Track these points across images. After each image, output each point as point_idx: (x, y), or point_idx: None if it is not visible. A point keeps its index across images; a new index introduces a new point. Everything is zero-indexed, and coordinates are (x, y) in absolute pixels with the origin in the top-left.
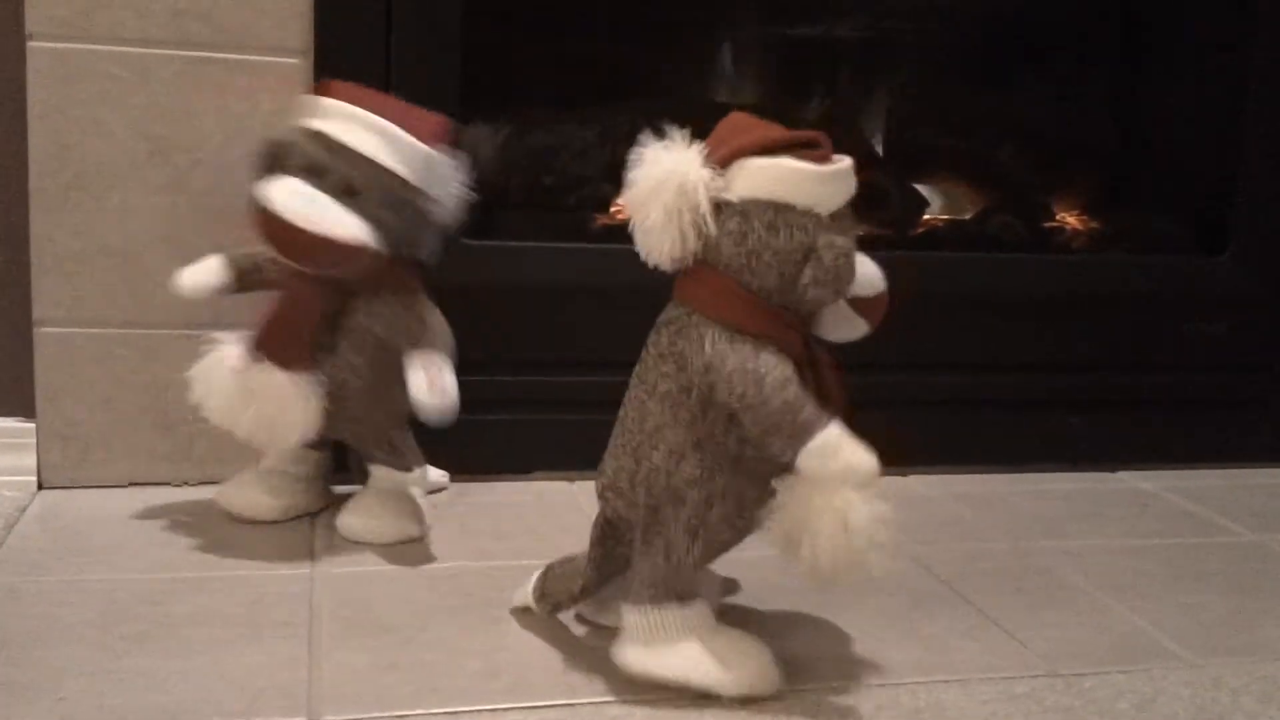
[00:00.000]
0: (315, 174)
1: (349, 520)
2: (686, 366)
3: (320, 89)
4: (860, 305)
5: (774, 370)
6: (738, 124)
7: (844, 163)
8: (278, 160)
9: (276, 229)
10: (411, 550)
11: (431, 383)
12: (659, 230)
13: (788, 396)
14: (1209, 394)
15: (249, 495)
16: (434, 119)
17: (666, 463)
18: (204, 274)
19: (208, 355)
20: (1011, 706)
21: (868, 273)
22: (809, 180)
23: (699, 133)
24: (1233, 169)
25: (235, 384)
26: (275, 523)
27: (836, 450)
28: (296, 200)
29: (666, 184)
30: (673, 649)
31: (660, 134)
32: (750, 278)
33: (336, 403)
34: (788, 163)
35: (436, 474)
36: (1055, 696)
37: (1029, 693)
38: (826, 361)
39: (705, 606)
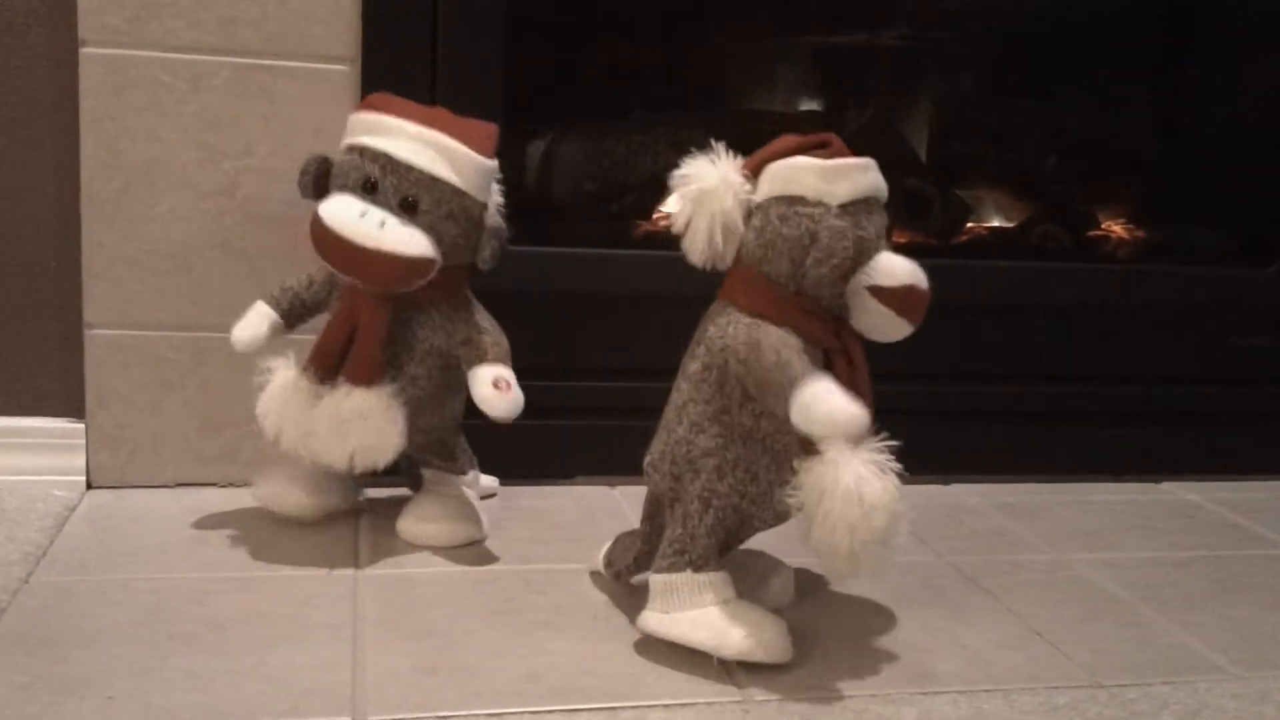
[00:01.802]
0: (370, 190)
1: (411, 524)
2: (711, 348)
3: (367, 104)
4: (884, 296)
5: (772, 336)
6: (777, 142)
7: (852, 159)
8: (329, 178)
9: (338, 248)
10: (454, 554)
11: (500, 394)
12: (694, 232)
13: (780, 357)
14: (1256, 406)
15: (286, 493)
16: (485, 128)
17: (689, 434)
18: (253, 327)
19: (270, 384)
20: (1053, 717)
21: (890, 262)
22: (813, 173)
23: (742, 139)
24: (1279, 179)
25: (318, 412)
26: (312, 523)
27: (821, 400)
28: (358, 219)
29: (701, 191)
30: (684, 612)
31: (706, 148)
32: (769, 267)
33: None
34: (797, 159)
35: (487, 479)
36: (1098, 708)
37: (1071, 704)
38: (860, 355)
39: (723, 578)
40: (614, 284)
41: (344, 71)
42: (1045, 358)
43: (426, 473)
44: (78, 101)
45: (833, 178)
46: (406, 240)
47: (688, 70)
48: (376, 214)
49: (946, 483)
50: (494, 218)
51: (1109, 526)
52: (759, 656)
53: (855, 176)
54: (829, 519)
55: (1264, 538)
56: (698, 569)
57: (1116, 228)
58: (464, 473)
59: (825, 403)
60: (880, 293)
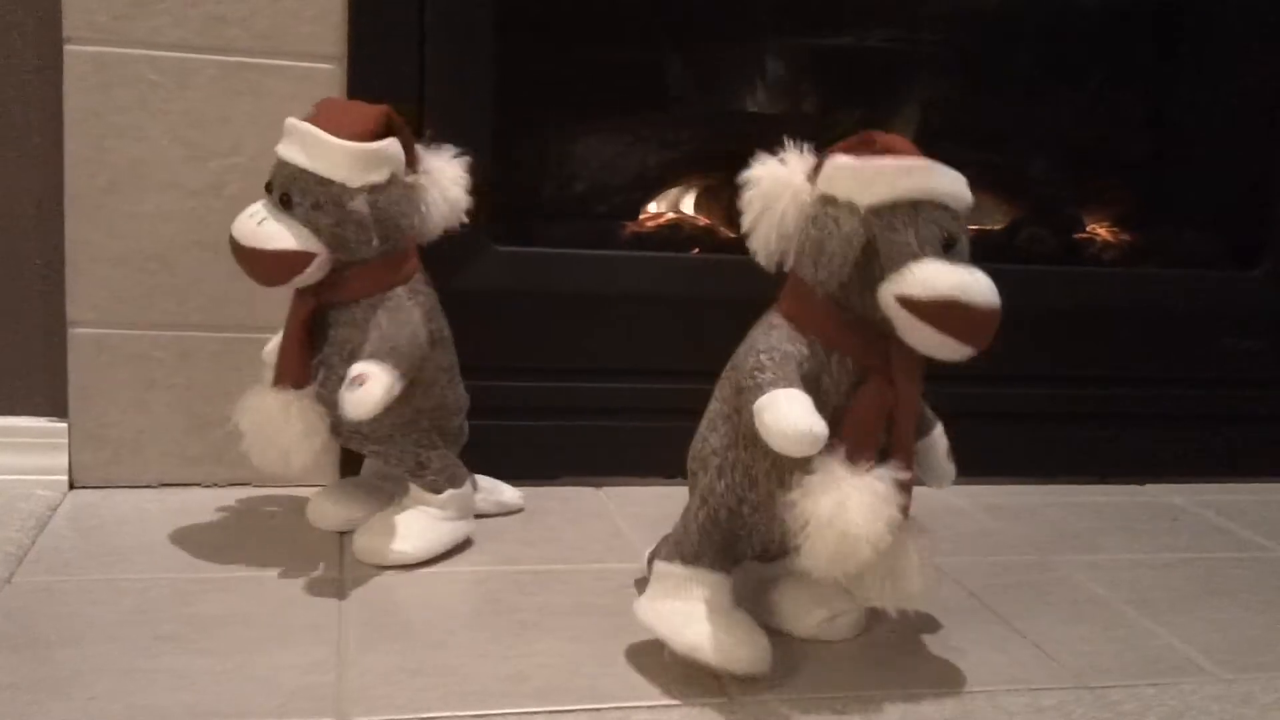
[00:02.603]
0: (269, 191)
1: (356, 537)
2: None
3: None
4: (915, 308)
5: (771, 338)
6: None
7: (891, 160)
8: None
9: (233, 249)
10: (440, 555)
11: (346, 392)
12: (756, 234)
13: (758, 360)
14: (1240, 408)
15: (317, 503)
16: (362, 110)
17: (706, 430)
18: (272, 343)
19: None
20: (1038, 719)
21: (929, 271)
22: (846, 172)
23: (729, 140)
24: (1266, 182)
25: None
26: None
27: (773, 410)
28: (245, 219)
29: (763, 189)
30: (665, 603)
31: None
32: (801, 269)
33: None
34: (837, 158)
35: (511, 494)
36: (1083, 710)
37: (1056, 705)
38: (907, 379)
39: (718, 580)
40: (602, 284)
41: (331, 70)
42: (1031, 360)
43: (410, 486)
44: (62, 99)
45: (863, 178)
46: (272, 234)
47: (678, 70)
48: (260, 213)
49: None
50: (365, 203)
51: (1094, 528)
52: (708, 658)
53: (891, 178)
54: (811, 545)
55: (1249, 540)
56: (687, 563)
57: (1103, 230)
58: (438, 491)
59: (776, 413)
60: (909, 303)
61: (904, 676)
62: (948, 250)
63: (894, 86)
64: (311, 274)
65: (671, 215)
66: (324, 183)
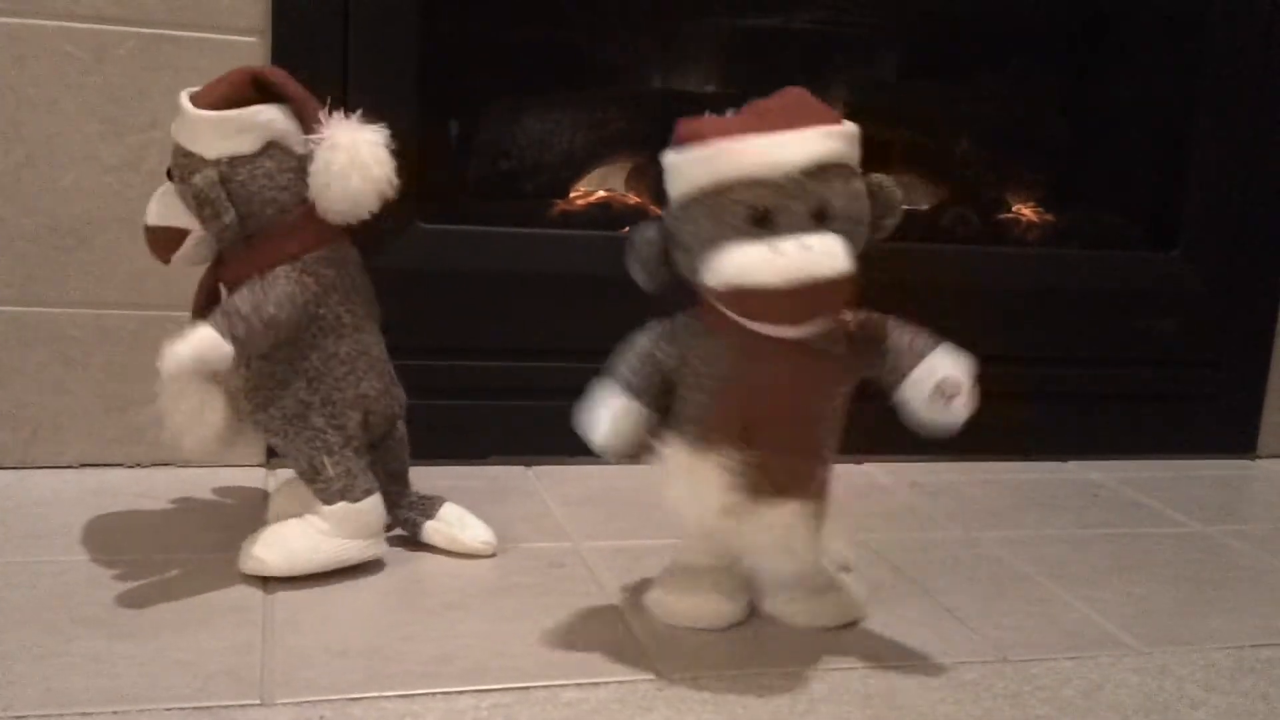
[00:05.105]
0: None
1: (246, 541)
2: None
3: None
4: (714, 296)
5: (635, 341)
6: None
7: (688, 152)
8: None
9: None
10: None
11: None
12: None
13: (624, 350)
14: (1157, 387)
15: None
16: (226, 76)
17: None
18: None
19: None
20: (960, 693)
21: (722, 260)
22: (667, 171)
23: (656, 119)
24: (1183, 165)
25: None
26: None
27: None
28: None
29: None
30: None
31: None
32: None
33: (240, 402)
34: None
35: (475, 534)
36: (1004, 683)
37: (978, 679)
38: (774, 358)
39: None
40: (530, 263)
41: (253, 43)
42: (954, 339)
43: None
44: None
45: (673, 173)
46: (151, 209)
47: (606, 48)
48: (160, 191)
49: (859, 462)
50: (206, 177)
51: (1016, 505)
52: (656, 612)
53: (688, 168)
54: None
55: (1165, 516)
56: None
57: (1026, 211)
58: (327, 501)
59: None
60: (710, 293)
61: (829, 651)
62: (761, 224)
63: (821, 68)
64: (193, 251)
65: (601, 194)
66: (188, 155)
